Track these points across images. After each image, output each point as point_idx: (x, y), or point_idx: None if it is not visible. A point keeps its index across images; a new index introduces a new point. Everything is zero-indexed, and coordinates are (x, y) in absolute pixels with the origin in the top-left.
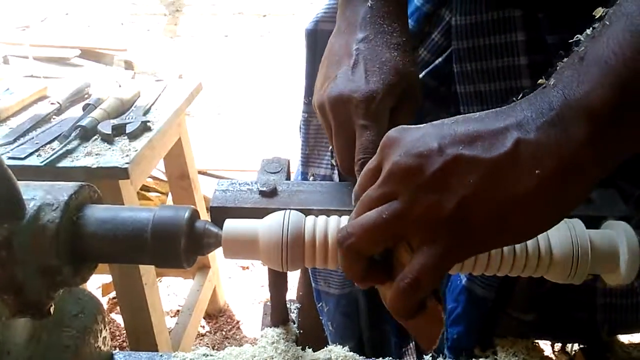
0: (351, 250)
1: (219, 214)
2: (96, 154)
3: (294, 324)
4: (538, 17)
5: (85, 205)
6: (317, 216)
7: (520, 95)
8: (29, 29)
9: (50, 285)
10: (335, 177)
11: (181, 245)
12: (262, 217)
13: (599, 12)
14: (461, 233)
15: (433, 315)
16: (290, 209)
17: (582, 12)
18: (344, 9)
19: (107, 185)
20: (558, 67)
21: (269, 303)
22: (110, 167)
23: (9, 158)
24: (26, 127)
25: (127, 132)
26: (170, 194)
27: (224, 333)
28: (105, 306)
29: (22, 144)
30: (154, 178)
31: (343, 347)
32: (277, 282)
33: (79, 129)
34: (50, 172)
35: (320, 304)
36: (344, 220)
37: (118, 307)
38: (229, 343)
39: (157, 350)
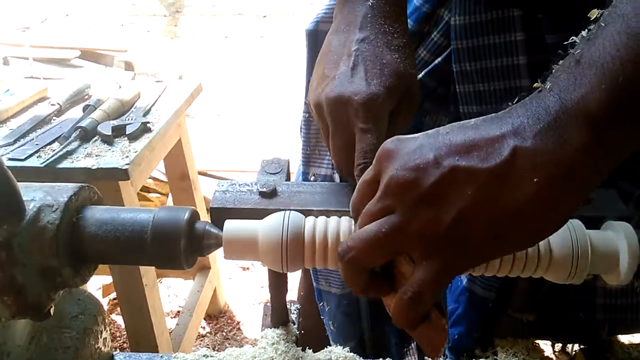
0: (352, 264)
1: (219, 214)
2: (96, 155)
3: (294, 324)
4: (537, 17)
5: (85, 206)
6: (316, 217)
7: (517, 99)
8: (29, 30)
9: (50, 286)
10: (336, 176)
11: (181, 246)
12: (262, 218)
13: (594, 13)
14: (460, 246)
15: (436, 326)
16: (290, 209)
17: (582, 12)
18: (343, 7)
19: (107, 186)
20: (554, 70)
21: (269, 304)
22: (110, 168)
23: (9, 159)
24: (26, 128)
25: (127, 133)
26: (170, 195)
27: (224, 334)
28: (106, 307)
29: (22, 145)
30: (154, 179)
31: (344, 346)
32: (277, 283)
33: (79, 130)
34: (50, 173)
35: (322, 303)
36: (344, 221)
37: (118, 308)
38: (229, 344)
39: (157, 351)
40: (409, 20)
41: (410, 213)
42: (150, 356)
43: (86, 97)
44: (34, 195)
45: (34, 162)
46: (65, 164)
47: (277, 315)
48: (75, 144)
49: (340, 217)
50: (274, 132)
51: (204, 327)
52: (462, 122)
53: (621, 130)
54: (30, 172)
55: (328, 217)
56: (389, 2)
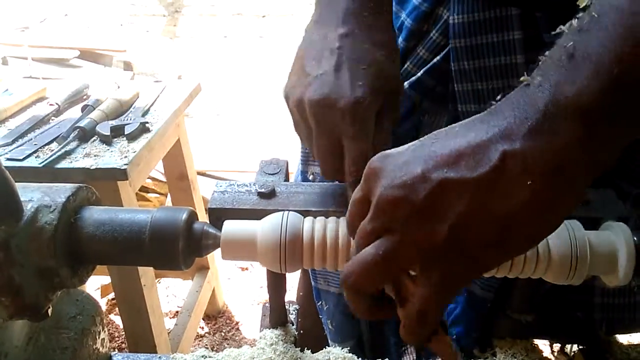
0: (353, 289)
1: (218, 215)
2: (95, 155)
3: (293, 325)
4: (535, 15)
5: (83, 206)
6: (315, 217)
7: (500, 96)
8: (28, 29)
9: (48, 287)
10: None
11: (179, 247)
12: (260, 219)
13: (583, 1)
14: (459, 258)
15: (443, 341)
16: (289, 210)
17: (579, 10)
18: (327, 10)
19: (105, 187)
20: (541, 64)
21: (267, 304)
22: (108, 168)
23: (8, 159)
24: (25, 128)
25: (125, 133)
26: (169, 195)
27: (223, 334)
28: (104, 307)
29: (20, 145)
30: (153, 179)
31: (343, 346)
32: (276, 283)
33: (78, 130)
34: (48, 173)
35: (320, 302)
36: (342, 221)
37: (117, 308)
38: (228, 344)
39: (156, 352)
40: (408, 19)
41: (404, 231)
42: (149, 357)
43: (85, 97)
44: (31, 196)
45: (32, 162)
46: (64, 164)
47: (276, 316)
48: (73, 144)
49: (338, 217)
50: (273, 132)
51: (202, 328)
52: (447, 128)
53: (615, 124)
54: (28, 172)
55: (326, 217)
56: None
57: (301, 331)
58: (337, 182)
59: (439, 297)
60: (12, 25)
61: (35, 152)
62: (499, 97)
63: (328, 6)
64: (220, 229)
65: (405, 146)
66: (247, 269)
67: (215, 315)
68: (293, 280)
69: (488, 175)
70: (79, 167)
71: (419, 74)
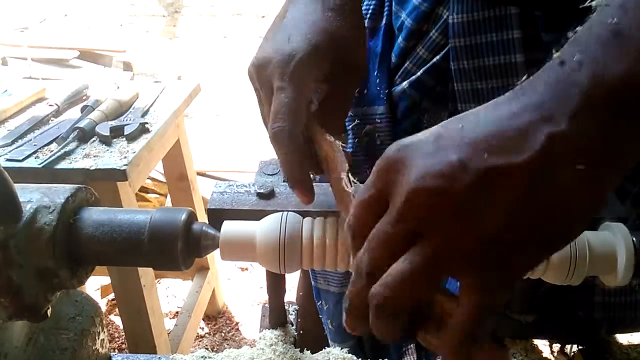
0: (387, 314)
1: (217, 216)
2: (94, 156)
3: (292, 325)
4: (535, 14)
5: (82, 207)
6: (314, 218)
7: (525, 76)
8: (28, 30)
9: (47, 287)
10: None
11: (178, 247)
12: (259, 219)
13: None
14: (512, 255)
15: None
16: (288, 210)
17: (579, 10)
18: None
19: (105, 187)
20: (575, 40)
21: (267, 305)
22: (108, 168)
23: (7, 160)
24: (24, 128)
25: (125, 133)
26: (169, 196)
27: (223, 334)
28: (104, 308)
29: (20, 146)
30: (153, 179)
31: (343, 346)
32: (275, 284)
33: (77, 130)
34: (48, 173)
35: (320, 302)
36: (342, 221)
37: (117, 309)
38: (228, 344)
39: (155, 352)
40: (408, 19)
41: (446, 232)
42: (149, 357)
43: (84, 97)
44: (30, 197)
45: (31, 162)
46: (63, 164)
47: (275, 317)
48: (73, 145)
49: (338, 217)
50: None
51: (202, 328)
52: (471, 111)
53: None
54: (28, 173)
55: (325, 218)
56: None
57: (301, 331)
58: None
59: (492, 301)
60: (12, 26)
61: (34, 152)
62: (524, 77)
63: None
64: (219, 229)
65: (423, 133)
66: (247, 269)
67: (215, 316)
68: (293, 280)
69: (535, 159)
70: (79, 168)
71: (418, 74)
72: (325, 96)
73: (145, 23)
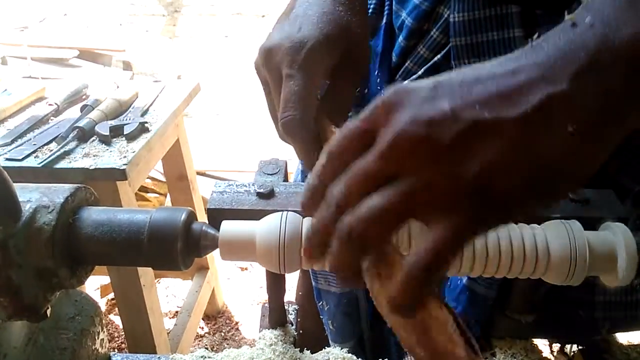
0: (355, 245)
1: (216, 215)
2: (94, 156)
3: (292, 325)
4: (536, 13)
5: (82, 207)
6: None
7: (536, 35)
8: (28, 29)
9: (47, 287)
10: None
11: (178, 247)
12: (259, 219)
13: None
14: (485, 203)
15: (437, 317)
16: (288, 210)
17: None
18: None
19: (105, 187)
20: (588, 3)
21: (267, 305)
22: (108, 168)
23: (7, 159)
24: (24, 128)
25: (125, 133)
26: (168, 195)
27: (222, 334)
28: (104, 307)
29: (19, 145)
30: (153, 179)
31: (343, 346)
32: (275, 283)
33: (77, 130)
34: (47, 173)
35: (321, 302)
36: None
37: (117, 309)
38: (228, 344)
39: (155, 352)
40: (408, 18)
41: (424, 173)
42: (148, 357)
43: (84, 97)
44: (30, 196)
45: (31, 162)
46: (63, 164)
47: (275, 316)
48: (72, 144)
49: None
50: (272, 132)
51: (202, 328)
52: (476, 65)
53: None
54: (27, 172)
55: None
56: None
57: (300, 331)
58: None
59: (453, 242)
60: (12, 25)
61: (34, 152)
62: (535, 36)
63: None
64: (219, 229)
65: (425, 80)
66: (246, 269)
67: (215, 316)
68: (292, 280)
69: (527, 116)
70: (78, 167)
71: (419, 73)
72: (329, 90)
73: (145, 22)
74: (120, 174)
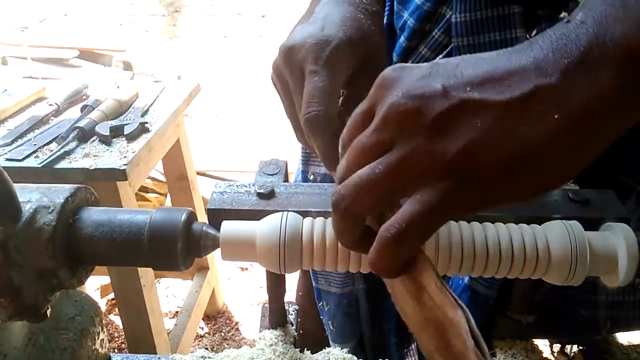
0: (346, 214)
1: (217, 216)
2: (94, 156)
3: (292, 325)
4: (538, 13)
5: (82, 207)
6: (314, 218)
7: (534, 32)
8: (28, 29)
9: (47, 288)
10: None
11: (178, 247)
12: (259, 219)
13: None
14: (463, 180)
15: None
16: (288, 210)
17: None
18: None
19: (105, 187)
20: (584, 2)
21: (267, 305)
22: (108, 168)
23: (7, 159)
24: (24, 128)
25: (125, 133)
26: (168, 195)
27: (223, 334)
28: (104, 308)
29: (20, 146)
30: (153, 179)
31: (344, 346)
32: (275, 284)
33: (77, 130)
34: (48, 173)
35: (321, 303)
36: None
37: (116, 309)
38: (228, 344)
39: (155, 352)
40: (410, 19)
41: (411, 146)
42: (148, 357)
43: (84, 97)
44: (30, 197)
45: (31, 162)
46: (63, 164)
47: (275, 317)
48: (73, 145)
49: None
50: (272, 132)
51: (202, 328)
52: (474, 54)
53: None
54: (27, 173)
55: (326, 218)
56: None
57: (301, 332)
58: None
59: (427, 214)
60: (12, 25)
61: (34, 152)
62: (534, 33)
63: None
64: (219, 229)
65: (425, 63)
66: (246, 269)
67: (215, 316)
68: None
69: (515, 102)
70: (78, 168)
71: None
72: (347, 99)
73: (145, 22)
74: (120, 174)
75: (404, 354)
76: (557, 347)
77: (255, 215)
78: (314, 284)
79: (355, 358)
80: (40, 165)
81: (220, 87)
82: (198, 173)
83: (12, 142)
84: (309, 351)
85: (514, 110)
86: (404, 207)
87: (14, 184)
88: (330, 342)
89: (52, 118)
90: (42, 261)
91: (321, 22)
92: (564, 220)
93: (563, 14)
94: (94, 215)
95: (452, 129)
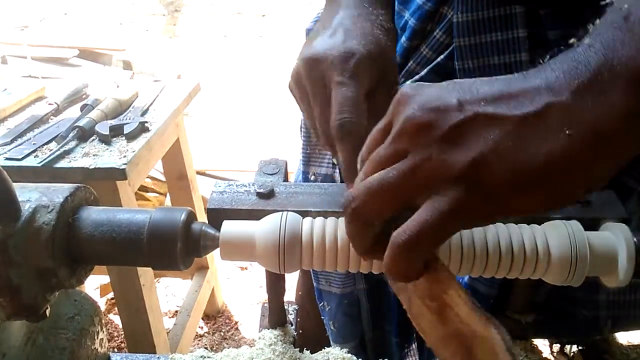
0: (356, 216)
1: (216, 215)
2: (94, 155)
3: (292, 325)
4: (539, 13)
5: (81, 207)
6: (314, 218)
7: (547, 57)
8: (28, 28)
9: (46, 287)
10: (337, 175)
11: (177, 247)
12: (259, 219)
13: None
14: (473, 190)
15: (440, 279)
16: (288, 210)
17: (584, 8)
18: (330, 4)
19: (104, 186)
20: (592, 28)
21: (266, 304)
22: (107, 168)
23: (7, 159)
24: (24, 127)
25: (124, 132)
26: (168, 195)
27: (222, 334)
28: (103, 307)
29: (19, 145)
30: (153, 178)
31: (344, 347)
32: (275, 283)
33: (77, 129)
34: (47, 172)
35: (322, 303)
36: (342, 222)
37: (116, 308)
38: (227, 344)
39: (155, 352)
40: (412, 19)
41: (423, 155)
42: (147, 357)
43: (84, 96)
44: (29, 196)
45: (31, 161)
46: (63, 163)
47: (275, 316)
48: (72, 144)
49: (337, 217)
50: (272, 132)
51: (201, 327)
52: (489, 77)
53: None
54: (27, 172)
55: (325, 218)
56: None
57: (300, 331)
58: (339, 181)
59: (438, 223)
60: (12, 24)
61: (34, 151)
62: (547, 58)
63: (331, 6)
64: (219, 229)
65: (442, 82)
66: (246, 268)
67: (215, 315)
68: (292, 280)
69: (526, 118)
70: (78, 167)
71: (422, 73)
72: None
73: (145, 22)
74: (120, 174)
75: (405, 354)
76: (556, 347)
77: (255, 215)
78: (314, 284)
79: (355, 358)
80: (39, 165)
81: (220, 86)
82: (198, 172)
83: (12, 141)
84: (309, 351)
85: (526, 126)
86: (416, 214)
87: (14, 183)
88: (331, 342)
89: (51, 117)
90: (42, 260)
91: (342, 35)
92: (564, 220)
93: (572, 40)
94: (93, 214)
95: (465, 141)
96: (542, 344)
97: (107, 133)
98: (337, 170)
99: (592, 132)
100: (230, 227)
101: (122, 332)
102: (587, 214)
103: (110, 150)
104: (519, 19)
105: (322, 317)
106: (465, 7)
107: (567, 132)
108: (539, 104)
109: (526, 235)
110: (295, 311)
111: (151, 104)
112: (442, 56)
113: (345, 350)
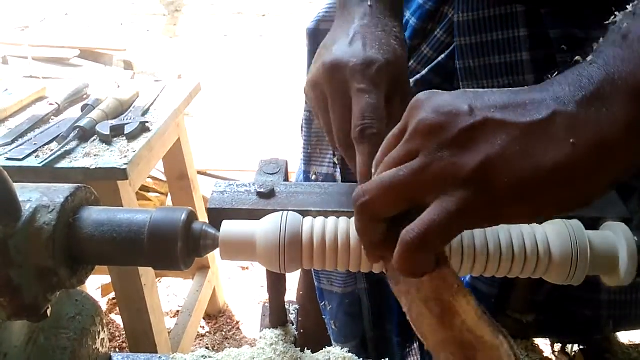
0: (365, 210)
1: (217, 215)
2: (95, 155)
3: (293, 325)
4: (541, 12)
5: (82, 207)
6: (315, 217)
7: (555, 72)
8: (28, 29)
9: (47, 287)
10: (338, 175)
11: (178, 247)
12: (259, 219)
13: None
14: (480, 192)
15: (444, 278)
16: (288, 210)
17: (585, 7)
18: (342, 10)
19: (105, 186)
20: (595, 46)
21: (267, 304)
22: (108, 168)
23: (7, 159)
24: (25, 127)
25: (125, 132)
26: (169, 195)
27: (223, 334)
28: (105, 307)
29: (20, 145)
30: (153, 178)
31: (345, 346)
32: (276, 283)
33: (78, 129)
34: (48, 173)
35: (324, 302)
36: (342, 221)
37: (117, 308)
38: (228, 344)
39: (156, 351)
40: (412, 18)
41: (433, 156)
42: (149, 357)
43: (85, 96)
44: (30, 196)
45: (32, 162)
46: (64, 163)
47: (276, 316)
48: (73, 144)
49: (338, 217)
50: (273, 131)
51: (203, 327)
52: (500, 89)
53: None
54: (28, 172)
55: (326, 217)
56: (387, 4)
57: (301, 331)
58: (340, 180)
59: (446, 222)
60: (13, 25)
61: (35, 151)
62: (555, 73)
63: (345, 15)
64: (219, 229)
65: (452, 91)
66: (247, 268)
67: (216, 315)
68: (293, 280)
69: (534, 124)
70: (79, 167)
71: (423, 72)
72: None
73: (145, 22)
74: (121, 174)
75: (406, 353)
76: (558, 346)
77: (255, 214)
78: (316, 283)
79: (356, 357)
80: (40, 165)
81: (220, 86)
82: (199, 172)
83: (13, 141)
84: (310, 350)
85: (533, 133)
86: (425, 213)
87: (14, 184)
88: (333, 341)
89: (52, 117)
90: (42, 261)
91: (361, 43)
92: (564, 220)
93: (577, 58)
94: (94, 214)
95: (474, 144)
96: (543, 344)
97: (108, 133)
98: (338, 170)
99: (595, 142)
100: (230, 227)
101: (124, 332)
102: (587, 213)
103: (111, 151)
104: (519, 18)
105: (324, 317)
106: (466, 6)
107: (572, 140)
108: (546, 113)
109: (527, 235)
110: (296, 311)
111: (152, 104)
112: (443, 55)
113: (346, 349)
